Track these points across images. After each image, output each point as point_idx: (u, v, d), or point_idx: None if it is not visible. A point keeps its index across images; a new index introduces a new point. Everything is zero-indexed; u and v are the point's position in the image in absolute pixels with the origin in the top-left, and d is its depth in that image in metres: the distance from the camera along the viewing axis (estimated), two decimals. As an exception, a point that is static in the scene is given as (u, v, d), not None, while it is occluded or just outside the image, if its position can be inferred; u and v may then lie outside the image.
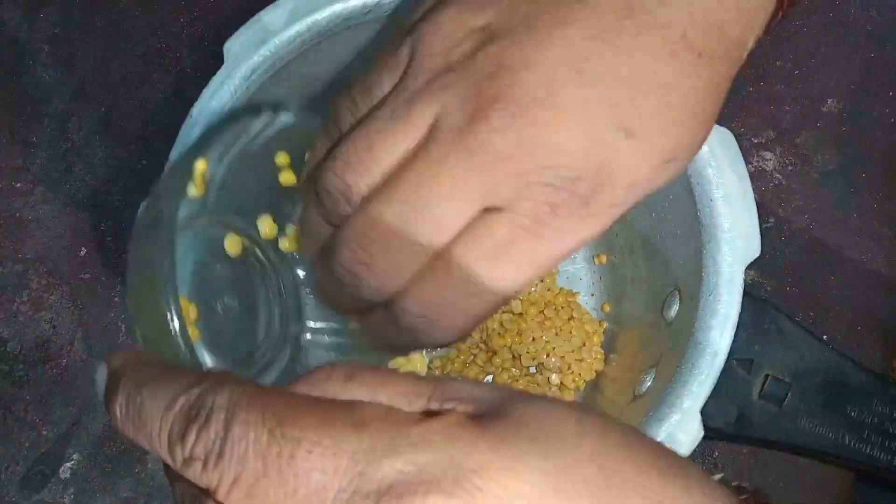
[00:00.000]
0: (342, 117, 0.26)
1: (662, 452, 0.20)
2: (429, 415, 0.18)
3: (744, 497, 0.21)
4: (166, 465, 0.19)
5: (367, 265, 0.24)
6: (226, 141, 0.31)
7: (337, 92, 0.27)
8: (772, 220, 0.46)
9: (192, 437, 0.17)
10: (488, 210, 0.23)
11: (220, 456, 0.17)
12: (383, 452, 0.17)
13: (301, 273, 0.33)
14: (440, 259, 0.24)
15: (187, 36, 0.48)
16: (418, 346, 0.26)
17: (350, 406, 0.18)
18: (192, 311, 0.29)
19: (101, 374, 0.20)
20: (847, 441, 0.36)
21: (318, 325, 0.33)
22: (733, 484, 0.22)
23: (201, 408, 0.17)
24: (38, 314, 0.44)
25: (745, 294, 0.32)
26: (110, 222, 0.45)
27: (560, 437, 0.18)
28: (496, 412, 0.18)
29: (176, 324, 0.25)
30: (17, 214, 0.45)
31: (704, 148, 0.33)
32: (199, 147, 0.31)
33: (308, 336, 0.33)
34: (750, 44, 0.26)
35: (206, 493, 0.17)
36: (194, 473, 0.17)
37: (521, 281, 0.24)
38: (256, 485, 0.17)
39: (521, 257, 0.24)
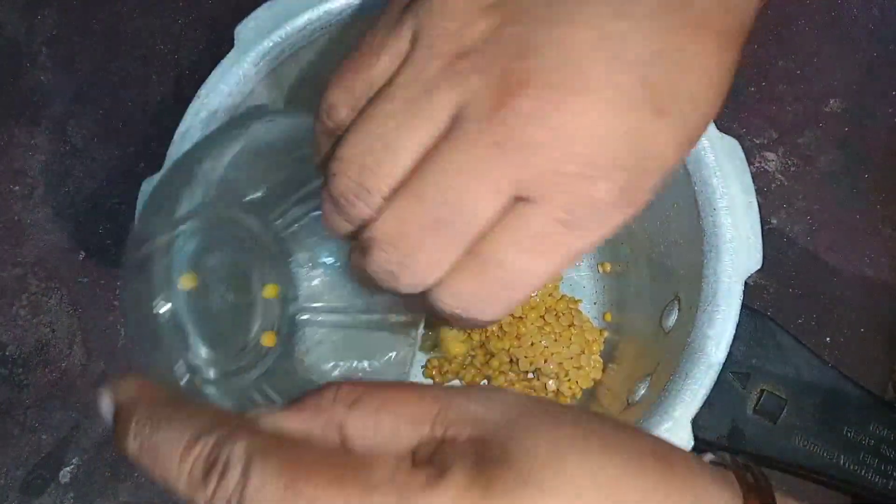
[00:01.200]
0: (338, 110, 0.24)
1: (665, 461, 0.20)
2: (435, 451, 0.19)
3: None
4: None
5: (401, 264, 0.23)
6: (227, 142, 0.31)
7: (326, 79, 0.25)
8: (774, 221, 0.46)
9: (212, 485, 0.18)
10: (521, 199, 0.22)
11: None
12: None
13: (301, 254, 0.33)
14: (473, 252, 0.23)
15: (186, 38, 0.48)
16: (457, 326, 0.26)
17: (361, 465, 0.18)
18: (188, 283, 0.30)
19: (107, 406, 0.21)
20: (842, 462, 0.36)
21: (316, 304, 0.33)
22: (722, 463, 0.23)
23: (219, 456, 0.18)
24: (37, 318, 0.44)
25: (745, 307, 0.32)
26: (109, 225, 0.45)
27: (564, 481, 0.18)
28: (500, 454, 0.18)
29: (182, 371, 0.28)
30: (16, 218, 0.45)
31: (710, 157, 0.33)
32: (201, 149, 0.31)
33: (305, 316, 0.33)
34: (750, 23, 0.25)
35: None
36: None
37: (554, 271, 0.23)
38: None
39: (555, 249, 0.23)
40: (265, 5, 0.34)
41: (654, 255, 0.40)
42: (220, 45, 0.39)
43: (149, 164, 0.46)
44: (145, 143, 0.46)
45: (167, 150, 0.34)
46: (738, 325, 0.32)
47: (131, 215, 0.45)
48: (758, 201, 0.45)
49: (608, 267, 0.44)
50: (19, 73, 0.47)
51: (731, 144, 0.33)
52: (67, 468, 0.42)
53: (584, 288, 0.44)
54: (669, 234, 0.37)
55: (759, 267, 0.32)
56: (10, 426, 0.43)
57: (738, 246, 0.32)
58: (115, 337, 0.44)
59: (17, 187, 0.46)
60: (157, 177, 0.32)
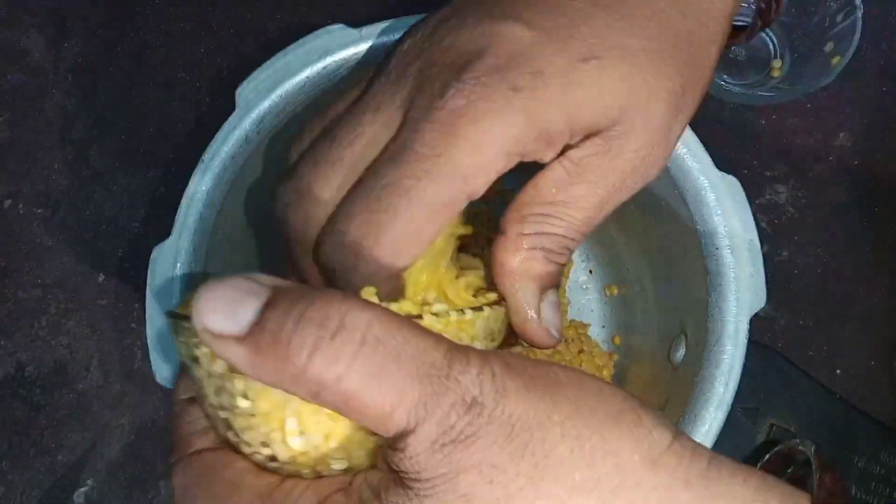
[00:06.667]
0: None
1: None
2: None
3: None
4: None
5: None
6: None
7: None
8: (784, 252, 0.46)
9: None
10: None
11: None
12: None
13: None
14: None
15: (207, 66, 0.49)
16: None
17: None
18: None
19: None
20: (854, 492, 0.36)
21: None
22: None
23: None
24: (56, 339, 0.45)
25: (751, 341, 0.32)
26: (129, 249, 0.46)
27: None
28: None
29: None
30: (38, 240, 0.46)
31: (711, 195, 0.33)
32: None
33: None
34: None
35: None
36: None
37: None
38: None
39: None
40: (264, 66, 0.34)
41: (660, 284, 0.40)
42: (240, 74, 0.40)
43: (168, 189, 0.47)
44: (165, 169, 0.47)
45: (187, 175, 0.34)
46: (745, 360, 0.32)
47: (150, 239, 0.46)
48: (768, 233, 0.46)
49: (615, 290, 0.44)
50: (45, 98, 0.48)
51: (731, 183, 0.33)
52: (82, 489, 0.42)
53: (593, 311, 0.45)
54: (673, 270, 0.37)
55: (763, 305, 0.32)
56: (26, 446, 0.43)
57: (741, 285, 0.32)
58: (132, 359, 0.44)
59: (39, 210, 0.47)
60: (166, 243, 0.32)
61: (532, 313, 0.27)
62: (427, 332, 0.20)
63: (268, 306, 0.19)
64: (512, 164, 0.26)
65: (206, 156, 0.33)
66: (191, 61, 0.49)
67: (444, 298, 0.28)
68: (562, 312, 0.43)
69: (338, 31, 0.34)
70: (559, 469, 0.19)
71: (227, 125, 0.33)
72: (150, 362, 0.44)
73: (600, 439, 0.20)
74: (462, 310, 0.24)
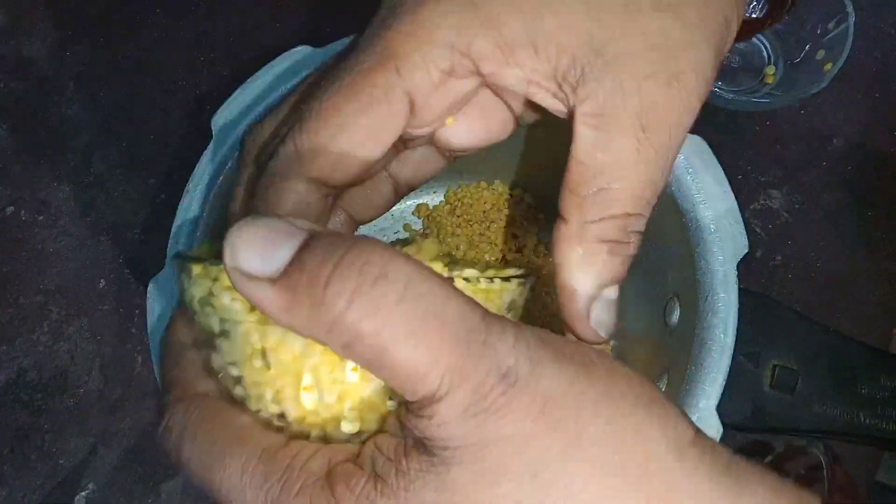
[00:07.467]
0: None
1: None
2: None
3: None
4: None
5: None
6: None
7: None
8: (779, 257, 0.47)
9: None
10: None
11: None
12: None
13: None
14: None
15: (207, 74, 0.50)
16: None
17: None
18: None
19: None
20: (862, 419, 0.37)
21: None
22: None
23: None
24: (57, 344, 0.45)
25: (742, 289, 0.33)
26: (129, 255, 0.46)
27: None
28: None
29: None
30: (40, 246, 0.47)
31: (680, 157, 0.34)
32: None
33: None
34: None
35: None
36: None
37: None
38: None
39: None
40: (236, 93, 0.35)
41: (644, 259, 0.40)
42: (239, 80, 0.41)
43: (168, 196, 0.47)
44: (166, 175, 0.48)
45: (186, 181, 0.34)
46: (739, 308, 0.33)
47: (150, 245, 0.46)
48: (762, 238, 0.47)
49: None
50: (47, 106, 0.49)
51: (697, 142, 0.34)
52: (83, 493, 0.43)
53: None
54: (656, 237, 0.38)
55: (746, 250, 0.33)
56: (28, 450, 0.43)
57: (723, 235, 0.33)
58: (133, 364, 0.45)
59: (41, 217, 0.47)
60: (161, 276, 0.32)
61: (582, 312, 0.26)
62: (465, 295, 0.19)
63: (305, 248, 0.19)
64: (462, 69, 0.24)
65: (190, 185, 0.33)
66: (191, 69, 0.50)
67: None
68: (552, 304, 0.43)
69: (302, 51, 0.35)
70: (590, 448, 0.19)
71: (206, 154, 0.34)
72: (150, 366, 0.44)
73: (631, 423, 0.19)
74: (492, 278, 0.22)
